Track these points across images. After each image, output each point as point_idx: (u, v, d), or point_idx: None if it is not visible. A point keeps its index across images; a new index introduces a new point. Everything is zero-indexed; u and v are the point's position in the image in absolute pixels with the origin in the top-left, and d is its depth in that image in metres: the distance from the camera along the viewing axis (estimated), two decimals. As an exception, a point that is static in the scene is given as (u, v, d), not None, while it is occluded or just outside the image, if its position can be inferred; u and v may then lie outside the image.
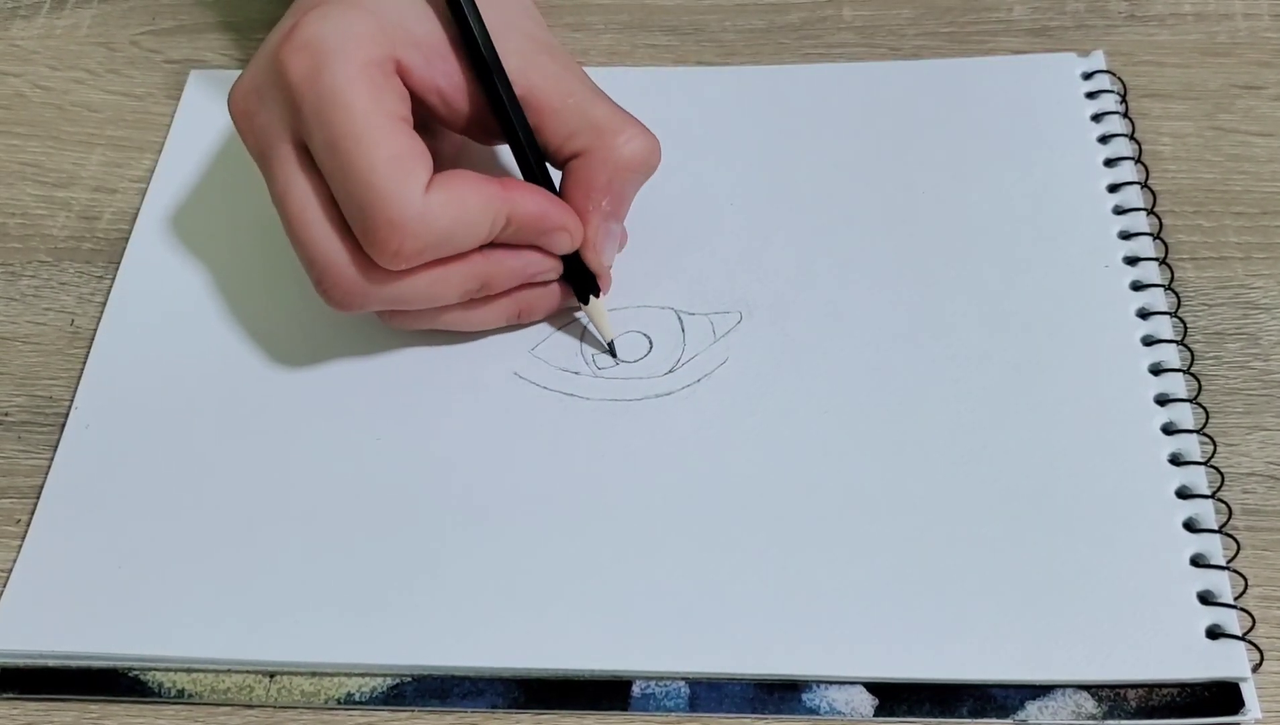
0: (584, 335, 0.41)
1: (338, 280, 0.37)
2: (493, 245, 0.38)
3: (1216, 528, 0.36)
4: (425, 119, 0.38)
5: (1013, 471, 0.37)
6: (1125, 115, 0.45)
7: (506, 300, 0.40)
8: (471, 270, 0.37)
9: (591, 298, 0.40)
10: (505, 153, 0.39)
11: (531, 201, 0.37)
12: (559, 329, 0.42)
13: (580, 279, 0.40)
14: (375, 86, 0.35)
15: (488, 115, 0.38)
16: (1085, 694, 0.34)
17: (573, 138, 0.38)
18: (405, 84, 0.37)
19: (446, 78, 0.37)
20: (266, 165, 0.37)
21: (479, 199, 0.36)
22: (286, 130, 0.36)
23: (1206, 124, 0.46)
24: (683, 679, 0.35)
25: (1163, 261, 0.42)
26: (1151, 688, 0.34)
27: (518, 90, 0.38)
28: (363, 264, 0.36)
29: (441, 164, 0.38)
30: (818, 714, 0.34)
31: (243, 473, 0.39)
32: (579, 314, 0.42)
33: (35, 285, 0.45)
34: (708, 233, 0.43)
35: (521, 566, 0.36)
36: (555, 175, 0.39)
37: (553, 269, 0.39)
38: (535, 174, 0.39)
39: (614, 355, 0.41)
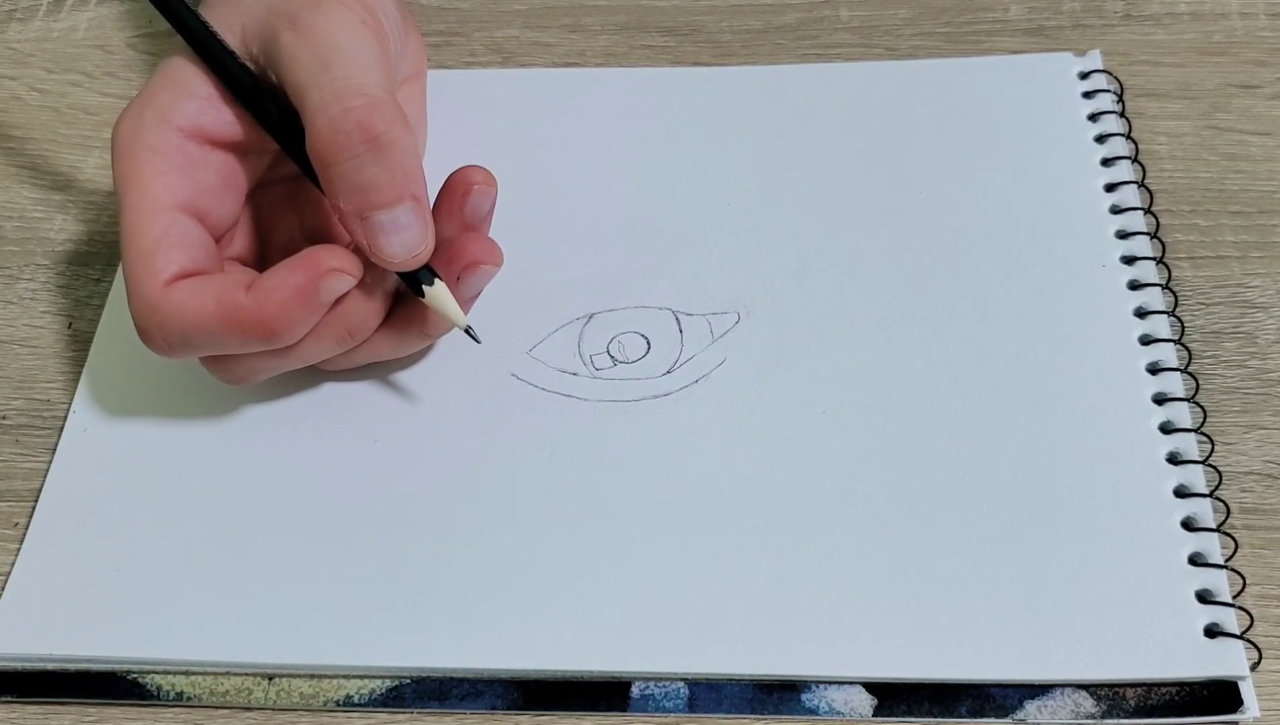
0: (581, 336, 0.41)
1: (149, 334, 0.36)
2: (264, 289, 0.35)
3: (1214, 526, 0.36)
4: (258, 153, 0.39)
5: (1011, 470, 0.37)
6: (1122, 115, 0.45)
7: (326, 326, 0.36)
8: (244, 325, 0.35)
9: (425, 288, 0.36)
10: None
11: (277, 293, 0.34)
12: (556, 330, 0.42)
13: (409, 275, 0.36)
14: (153, 170, 0.36)
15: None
16: (1084, 693, 0.34)
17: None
18: (211, 140, 0.37)
19: (240, 117, 0.37)
20: None
21: (215, 308, 0.35)
22: None
23: (1203, 123, 0.46)
24: (681, 680, 0.35)
25: (1160, 261, 0.42)
26: (1150, 686, 0.34)
27: (273, 84, 0.37)
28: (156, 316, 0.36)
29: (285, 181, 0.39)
30: (817, 714, 0.34)
31: (240, 475, 0.39)
32: (575, 304, 0.41)
33: (33, 288, 0.45)
34: (705, 233, 0.43)
35: (520, 568, 0.36)
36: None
37: (344, 279, 0.35)
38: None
39: (478, 342, 0.38)
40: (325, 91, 0.34)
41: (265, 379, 0.39)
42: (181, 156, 0.37)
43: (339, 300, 0.36)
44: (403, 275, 0.36)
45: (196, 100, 0.37)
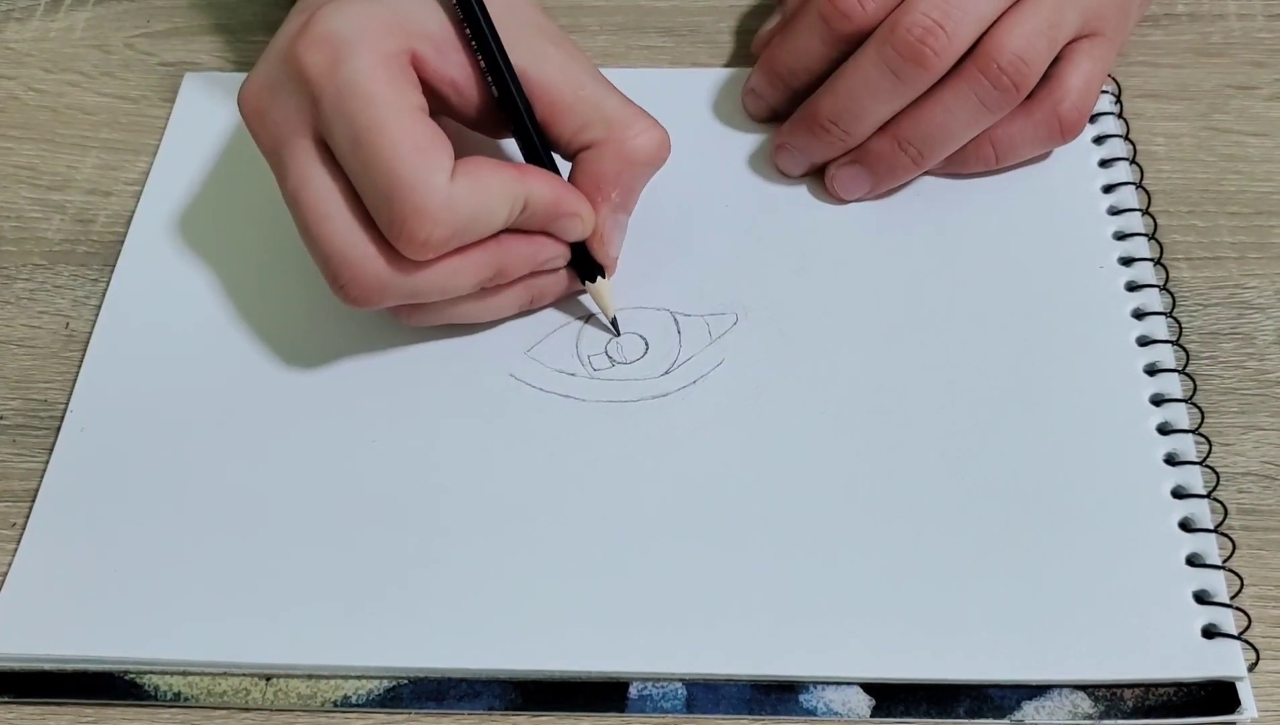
0: (580, 337, 0.41)
1: (357, 275, 0.36)
2: (506, 231, 0.38)
3: (1212, 527, 0.36)
4: (434, 111, 0.39)
5: (1009, 471, 0.37)
6: (1120, 116, 0.46)
7: (519, 287, 0.40)
8: (486, 258, 0.38)
9: (591, 281, 0.41)
10: (507, 144, 0.39)
11: (547, 186, 0.38)
12: (555, 330, 0.42)
13: (585, 266, 0.40)
14: (394, 78, 0.36)
15: (498, 108, 0.38)
16: (1082, 694, 0.34)
17: (584, 130, 0.38)
18: (419, 76, 0.37)
19: (460, 69, 0.38)
20: (280, 162, 0.37)
21: (499, 182, 0.37)
22: (304, 125, 0.36)
23: (1201, 124, 0.46)
24: (679, 680, 0.35)
25: (1158, 262, 0.42)
26: (1148, 687, 0.34)
27: (527, 84, 0.38)
28: (382, 257, 0.36)
29: None
30: (815, 715, 0.34)
31: (238, 476, 0.39)
32: (574, 305, 0.42)
33: (30, 288, 0.45)
34: (703, 234, 0.43)
35: (518, 568, 0.36)
36: (564, 167, 0.40)
37: (562, 255, 0.40)
38: (544, 165, 0.39)
39: (618, 333, 0.41)
40: (630, 109, 0.39)
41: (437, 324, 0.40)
42: (415, 80, 0.37)
43: (539, 272, 0.40)
44: (583, 266, 0.40)
45: (435, 43, 0.37)
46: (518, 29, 0.38)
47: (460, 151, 0.37)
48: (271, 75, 0.37)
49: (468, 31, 0.37)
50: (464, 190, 0.36)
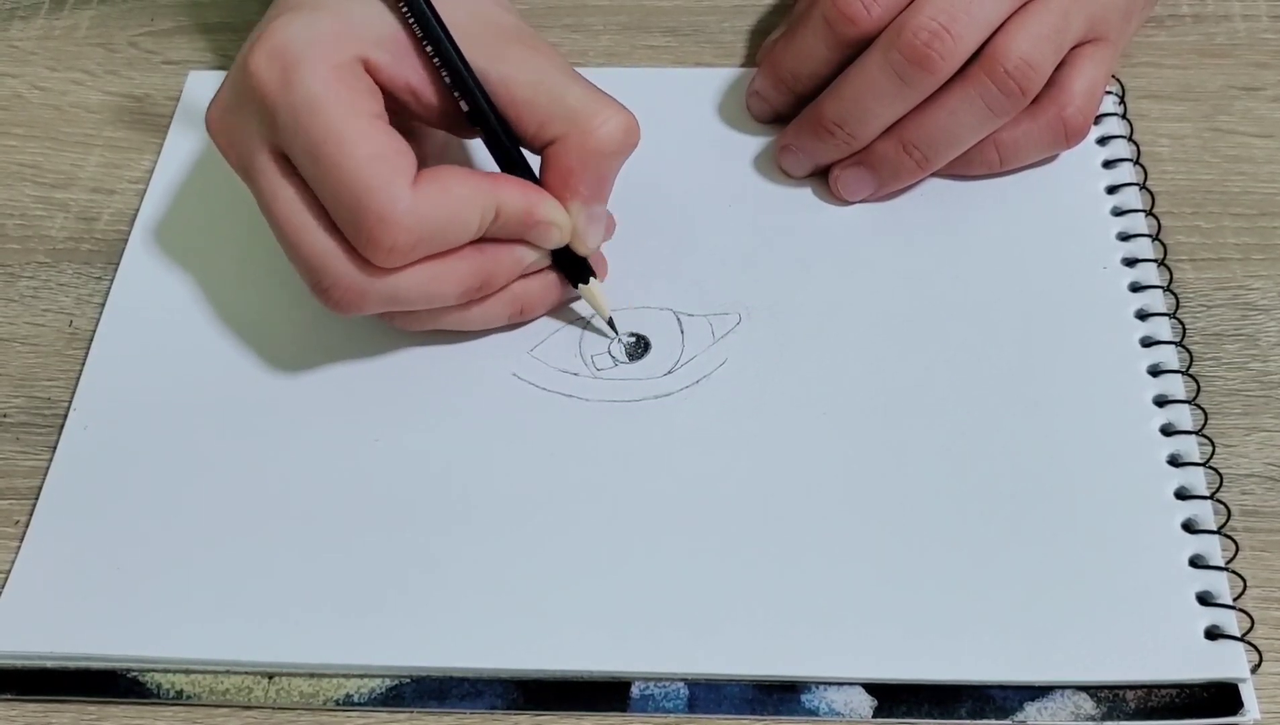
0: (583, 337, 0.41)
1: (336, 282, 0.37)
2: (486, 239, 0.38)
3: (1215, 529, 0.36)
4: (404, 120, 0.38)
5: (1011, 472, 0.37)
6: (1124, 117, 0.45)
7: (506, 296, 0.40)
8: (469, 266, 0.38)
9: (582, 282, 0.40)
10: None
11: (519, 194, 0.37)
12: (557, 330, 0.42)
13: (571, 266, 0.40)
14: (348, 87, 0.36)
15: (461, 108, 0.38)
16: (1084, 695, 0.34)
17: (547, 125, 0.38)
18: (376, 82, 0.37)
19: (415, 73, 0.37)
20: (249, 178, 0.37)
21: (466, 191, 0.36)
22: (264, 141, 0.36)
23: (1205, 125, 0.46)
24: (681, 680, 0.35)
25: (1161, 263, 0.42)
26: (1150, 688, 0.34)
27: (486, 83, 0.38)
28: (359, 264, 0.36)
29: (425, 165, 0.38)
30: (816, 715, 0.34)
31: (241, 474, 0.39)
32: (576, 305, 0.42)
33: (34, 286, 0.45)
34: (706, 234, 0.43)
35: (520, 568, 0.36)
36: (534, 161, 0.39)
37: (543, 256, 0.39)
38: (513, 164, 0.39)
39: (616, 334, 0.41)
40: (593, 100, 0.38)
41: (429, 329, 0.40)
42: (371, 87, 0.37)
43: (527, 276, 0.40)
44: (568, 271, 0.40)
45: (389, 48, 0.37)
46: (475, 29, 0.38)
47: (447, 161, 0.36)
48: (231, 94, 0.37)
49: (420, 35, 0.37)
50: (429, 197, 0.35)
